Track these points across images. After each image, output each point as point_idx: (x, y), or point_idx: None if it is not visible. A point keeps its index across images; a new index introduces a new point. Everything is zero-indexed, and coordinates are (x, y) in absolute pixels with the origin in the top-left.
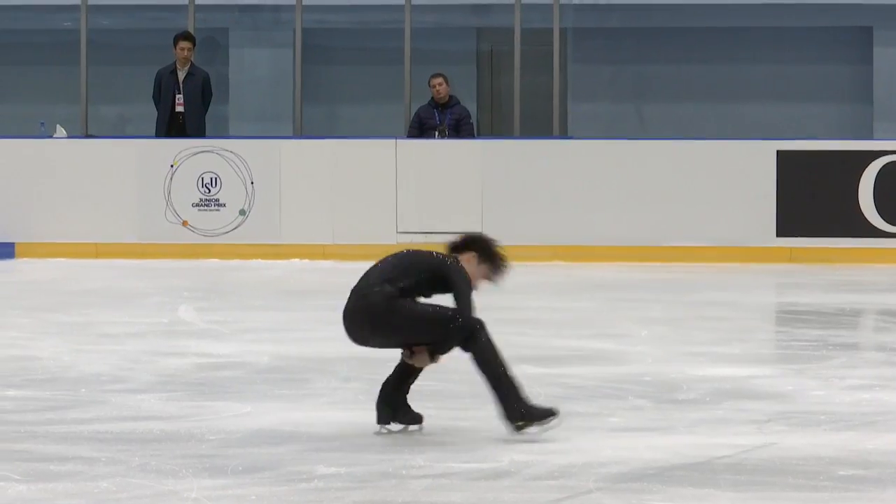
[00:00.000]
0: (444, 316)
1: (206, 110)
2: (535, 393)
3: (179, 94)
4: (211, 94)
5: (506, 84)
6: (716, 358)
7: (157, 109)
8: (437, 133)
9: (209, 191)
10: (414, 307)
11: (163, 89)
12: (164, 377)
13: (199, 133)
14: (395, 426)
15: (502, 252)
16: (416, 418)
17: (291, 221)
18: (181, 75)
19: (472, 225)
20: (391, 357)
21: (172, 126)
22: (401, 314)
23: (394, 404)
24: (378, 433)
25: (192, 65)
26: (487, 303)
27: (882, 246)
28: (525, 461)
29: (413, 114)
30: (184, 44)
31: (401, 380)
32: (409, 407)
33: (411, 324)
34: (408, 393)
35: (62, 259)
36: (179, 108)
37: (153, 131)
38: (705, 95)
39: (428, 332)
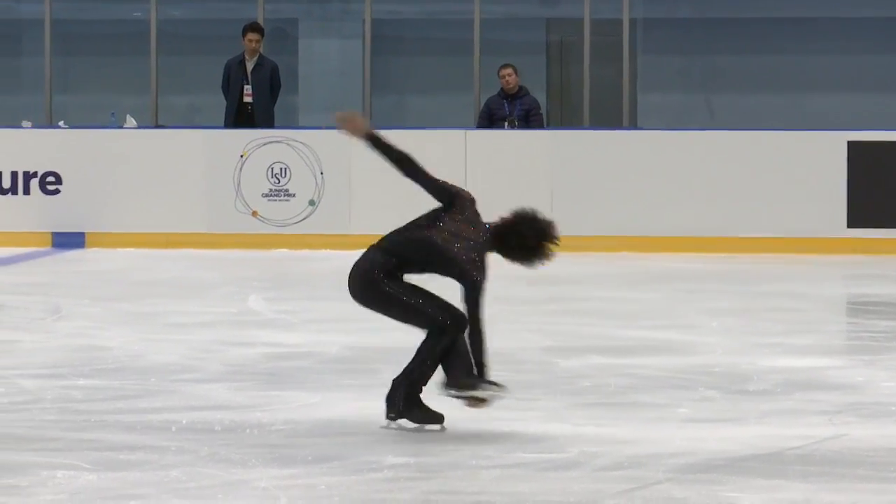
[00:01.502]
0: (424, 312)
1: (275, 101)
2: (604, 384)
3: (248, 84)
4: (280, 85)
5: (575, 74)
6: (786, 349)
7: (226, 100)
8: (506, 124)
9: (279, 181)
10: (393, 291)
11: (231, 80)
12: (234, 367)
13: (268, 123)
14: (405, 423)
15: (540, 244)
16: (435, 418)
17: (360, 212)
18: (249, 66)
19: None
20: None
21: (241, 116)
22: (379, 293)
23: (395, 400)
24: (386, 427)
25: (261, 55)
26: (556, 294)
27: None
28: (594, 452)
29: (482, 104)
30: (252, 35)
31: (407, 376)
32: (425, 405)
33: (387, 306)
34: (421, 392)
35: (132, 249)
36: (248, 99)
37: (222, 122)
38: (775, 86)
39: (404, 319)
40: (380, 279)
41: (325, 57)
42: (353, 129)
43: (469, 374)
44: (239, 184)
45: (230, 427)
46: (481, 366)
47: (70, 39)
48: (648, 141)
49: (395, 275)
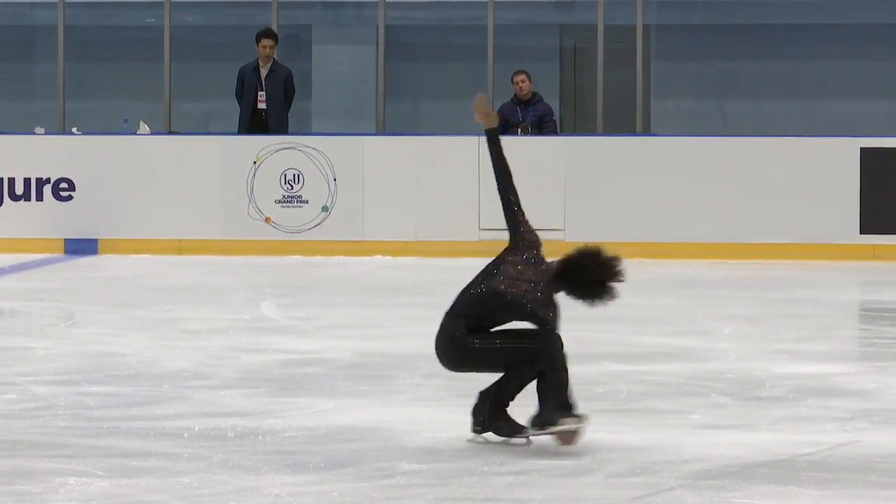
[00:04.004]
0: (520, 347)
1: (289, 107)
2: (617, 390)
3: (262, 91)
4: (294, 91)
5: (589, 81)
6: (799, 355)
7: (240, 106)
8: (519, 130)
9: (292, 187)
10: (482, 343)
11: (245, 86)
12: (247, 373)
13: (282, 130)
14: (491, 437)
15: (605, 281)
16: (522, 430)
17: (374, 218)
18: (263, 72)
19: (554, 222)
20: None
21: (255, 123)
22: (469, 350)
23: (482, 413)
24: (471, 440)
25: (275, 61)
26: (569, 300)
27: None
28: (607, 458)
29: (496, 111)
30: (266, 41)
31: (495, 390)
32: (510, 418)
33: (484, 359)
34: (507, 406)
35: (145, 255)
36: (262, 106)
37: (236, 128)
38: (788, 92)
39: (506, 361)
40: (464, 337)
41: (339, 63)
42: (486, 118)
43: (553, 411)
44: (252, 190)
45: (243, 433)
46: (564, 404)
47: (83, 46)
48: (662, 147)
49: (476, 330)
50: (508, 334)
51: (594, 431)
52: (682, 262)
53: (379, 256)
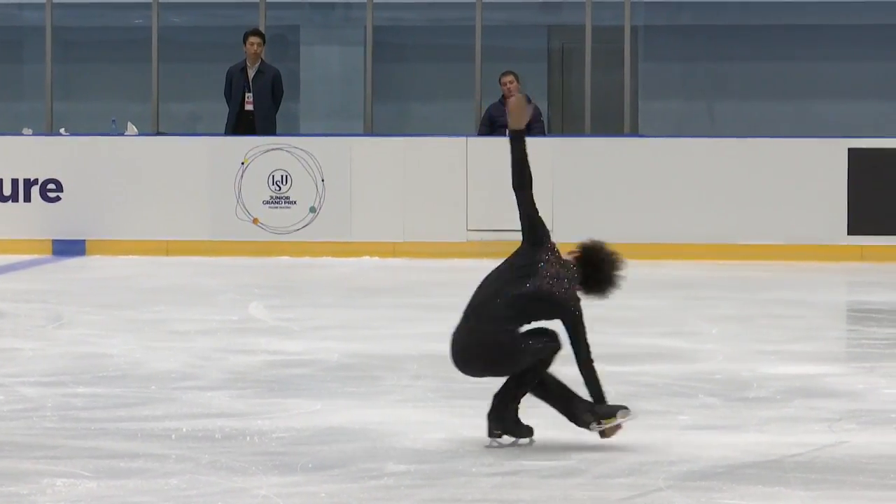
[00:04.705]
0: (544, 350)
1: (277, 108)
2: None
3: (249, 92)
4: (282, 92)
5: (576, 82)
6: (786, 356)
7: (228, 106)
8: (507, 131)
9: (280, 188)
10: (524, 344)
11: (233, 87)
12: (235, 374)
13: (269, 131)
14: (506, 439)
15: (614, 274)
16: (527, 431)
17: (362, 219)
18: (251, 73)
19: None
20: None
21: (242, 124)
22: (520, 353)
23: (504, 417)
24: (489, 445)
25: (263, 62)
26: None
27: None
28: (595, 459)
29: (484, 111)
30: (253, 38)
31: (512, 392)
32: (520, 420)
33: (522, 362)
34: (518, 406)
35: (133, 256)
36: (249, 107)
37: (224, 129)
38: (776, 93)
39: (530, 364)
40: (517, 339)
41: (327, 64)
42: (518, 117)
43: (594, 406)
44: (240, 191)
45: (231, 434)
46: (601, 395)
47: (71, 46)
48: (649, 148)
49: (518, 331)
50: (535, 333)
51: (582, 432)
52: (669, 262)
53: (367, 257)
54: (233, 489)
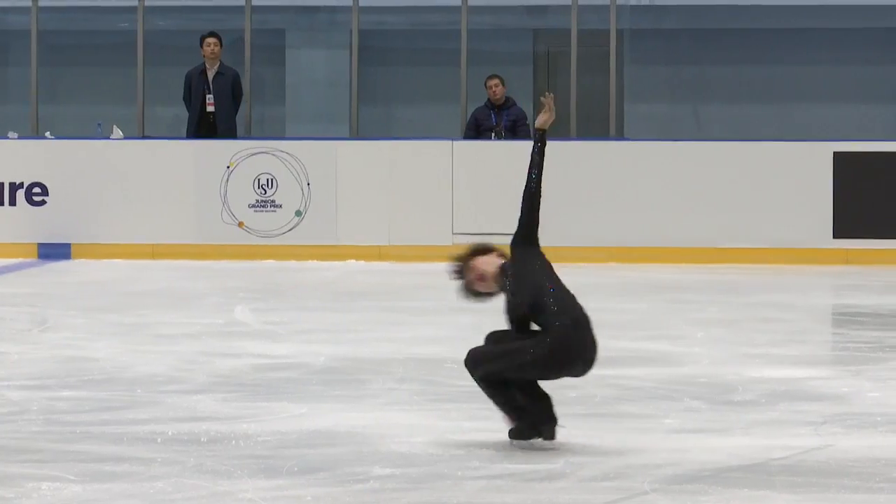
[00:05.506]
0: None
1: (237, 109)
2: (590, 394)
3: (210, 93)
4: (241, 94)
5: (562, 85)
6: (772, 359)
7: (188, 110)
8: (493, 134)
9: (265, 192)
10: None
11: (193, 90)
12: (220, 378)
13: (230, 133)
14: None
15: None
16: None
17: (347, 223)
18: (211, 74)
19: None
20: (446, 357)
21: (203, 126)
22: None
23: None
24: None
25: (222, 63)
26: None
27: None
28: (580, 462)
29: (469, 115)
30: (210, 39)
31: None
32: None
33: None
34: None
35: (118, 260)
36: (210, 108)
37: (185, 132)
38: (762, 96)
39: None
40: None
41: (312, 67)
42: (546, 120)
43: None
44: (226, 195)
45: (217, 438)
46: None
47: (57, 50)
48: (635, 151)
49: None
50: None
51: (567, 435)
52: (655, 266)
53: (352, 261)
54: (218, 493)
